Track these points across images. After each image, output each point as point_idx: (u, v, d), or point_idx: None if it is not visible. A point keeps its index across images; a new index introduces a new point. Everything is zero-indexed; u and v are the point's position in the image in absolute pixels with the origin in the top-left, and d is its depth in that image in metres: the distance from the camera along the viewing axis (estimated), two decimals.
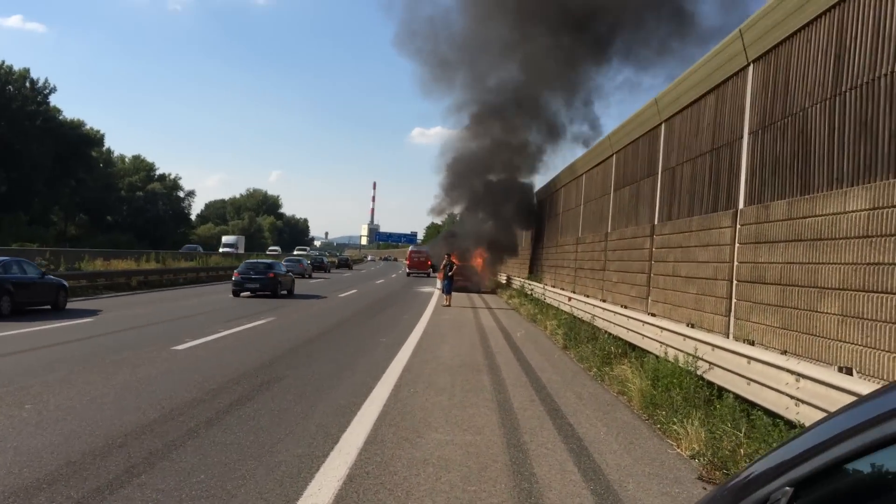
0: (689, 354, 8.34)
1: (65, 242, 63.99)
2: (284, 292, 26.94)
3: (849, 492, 0.97)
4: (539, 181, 38.48)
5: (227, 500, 4.83)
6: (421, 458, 6.02)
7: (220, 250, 67.69)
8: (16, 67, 67.66)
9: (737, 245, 9.84)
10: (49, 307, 18.39)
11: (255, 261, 28.77)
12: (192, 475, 5.33)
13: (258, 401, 8.08)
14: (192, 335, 13.59)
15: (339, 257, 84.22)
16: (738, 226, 9.86)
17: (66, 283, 19.83)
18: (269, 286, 25.83)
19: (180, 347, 12.05)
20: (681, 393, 7.75)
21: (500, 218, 37.38)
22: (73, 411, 7.22)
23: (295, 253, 75.12)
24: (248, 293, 26.05)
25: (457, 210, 42.13)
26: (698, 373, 8.09)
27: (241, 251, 71.12)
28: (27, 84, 68.56)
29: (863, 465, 0.93)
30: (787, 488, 1.00)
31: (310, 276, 46.27)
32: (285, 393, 8.61)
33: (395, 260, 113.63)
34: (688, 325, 9.84)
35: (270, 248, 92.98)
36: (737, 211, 10.05)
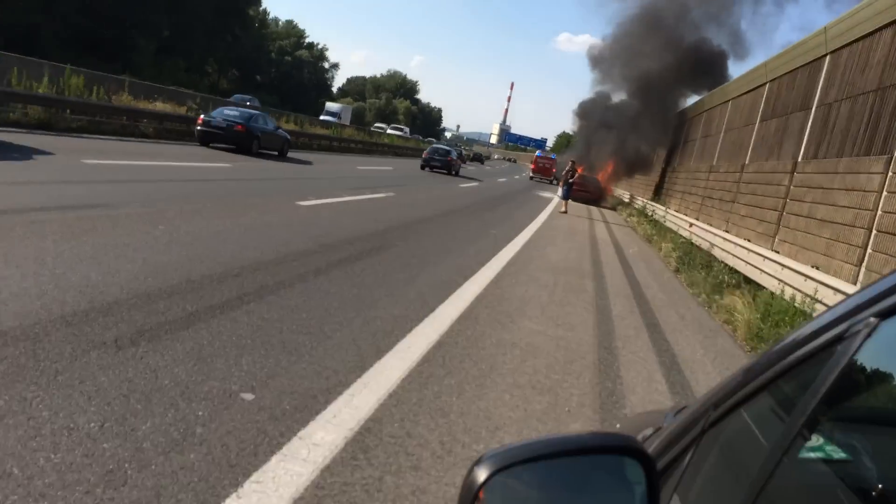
0: (807, 295, 7.96)
1: (216, 93, 67.09)
2: (454, 173, 37.66)
3: None
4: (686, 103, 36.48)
5: (322, 340, 5.14)
6: (510, 341, 6.15)
7: (322, 117, 58.88)
8: None
9: (885, 193, 9.10)
10: (277, 153, 24.98)
11: (437, 146, 41.75)
12: (295, 312, 5.68)
13: (366, 262, 8.41)
14: (316, 196, 14.16)
15: (473, 152, 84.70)
16: (891, 173, 9.08)
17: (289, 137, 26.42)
18: (447, 167, 37.08)
19: (304, 203, 12.60)
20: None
21: (635, 133, 36.03)
22: (199, 238, 7.79)
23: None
24: (430, 168, 36.69)
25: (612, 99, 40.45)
26: (815, 315, 7.73)
27: (347, 122, 61.71)
28: None
29: None
30: (872, 319, 0.93)
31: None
32: (393, 260, 8.92)
33: (515, 162, 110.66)
34: (813, 267, 9.33)
35: (392, 126, 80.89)
36: (892, 157, 9.23)
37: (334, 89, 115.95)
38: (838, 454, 1.02)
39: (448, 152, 38.09)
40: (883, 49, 10.67)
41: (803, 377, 1.04)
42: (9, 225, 6.66)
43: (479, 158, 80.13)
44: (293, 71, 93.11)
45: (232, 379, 4.07)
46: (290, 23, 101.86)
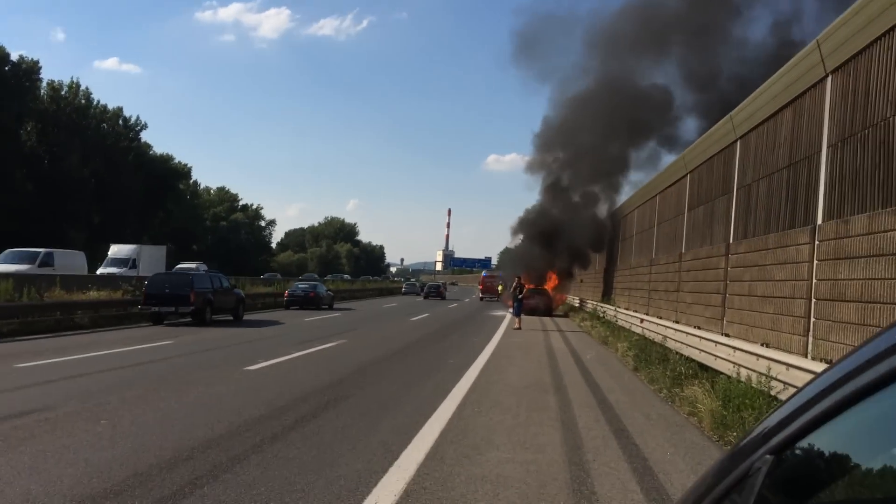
0: (761, 374, 8.02)
1: None
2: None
3: (823, 458, 0.93)
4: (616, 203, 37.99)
5: None
6: (480, 475, 5.95)
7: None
8: (110, 106, 71.75)
9: (815, 262, 9.43)
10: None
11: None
12: (252, 487, 5.43)
13: (323, 418, 8.19)
14: (265, 357, 13.90)
15: (430, 285, 67.77)
16: (817, 242, 9.45)
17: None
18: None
19: (252, 368, 12.34)
20: (753, 413, 7.44)
21: (573, 241, 37.07)
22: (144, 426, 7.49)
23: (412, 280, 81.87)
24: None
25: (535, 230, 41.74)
26: (772, 393, 7.76)
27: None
28: (120, 122, 72.48)
29: (836, 427, 0.88)
30: (768, 456, 0.96)
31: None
32: (350, 410, 8.70)
33: (449, 286, 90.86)
34: (762, 345, 9.46)
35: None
36: (815, 227, 9.65)
37: (273, 245, 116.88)
38: None
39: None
40: (787, 127, 11.38)
41: None
42: None
43: (436, 292, 59.91)
44: (230, 234, 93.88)
45: None
46: (221, 189, 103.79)
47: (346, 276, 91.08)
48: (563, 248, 38.25)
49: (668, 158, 31.40)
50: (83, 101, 67.41)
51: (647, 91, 34.42)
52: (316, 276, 65.62)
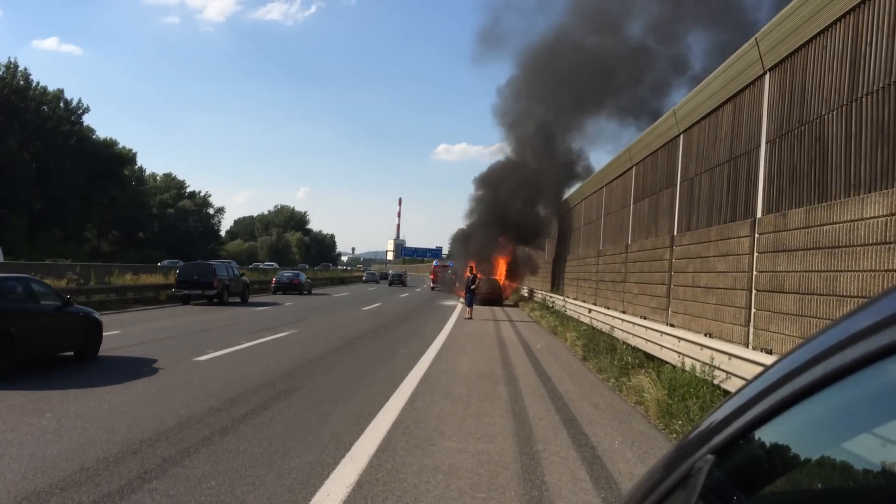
0: (705, 364, 8.27)
1: (98, 258, 65.14)
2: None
3: (765, 456, 0.99)
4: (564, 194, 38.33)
5: None
6: (431, 466, 6.03)
7: None
8: (50, 88, 69.41)
9: (755, 254, 9.75)
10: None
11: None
12: (202, 481, 5.39)
13: (274, 409, 8.15)
14: (215, 347, 13.73)
15: (394, 273, 73.60)
16: (757, 235, 9.77)
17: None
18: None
19: (202, 358, 12.18)
20: (697, 402, 7.67)
21: (522, 231, 37.37)
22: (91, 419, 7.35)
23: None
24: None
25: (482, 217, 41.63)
26: (715, 382, 8.01)
27: None
28: (61, 104, 70.22)
29: (774, 428, 0.95)
30: (709, 456, 1.02)
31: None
32: (301, 402, 8.68)
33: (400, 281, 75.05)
34: (705, 335, 9.75)
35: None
36: (755, 220, 9.97)
37: (222, 233, 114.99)
38: None
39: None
40: (727, 123, 11.69)
41: None
42: None
43: (399, 280, 67.70)
44: (177, 222, 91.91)
45: None
46: (168, 175, 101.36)
47: (303, 266, 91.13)
48: (511, 234, 38.49)
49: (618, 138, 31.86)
50: (21, 83, 65.11)
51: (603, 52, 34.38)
52: (306, 265, 75.04)
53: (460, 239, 45.26)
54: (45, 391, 8.77)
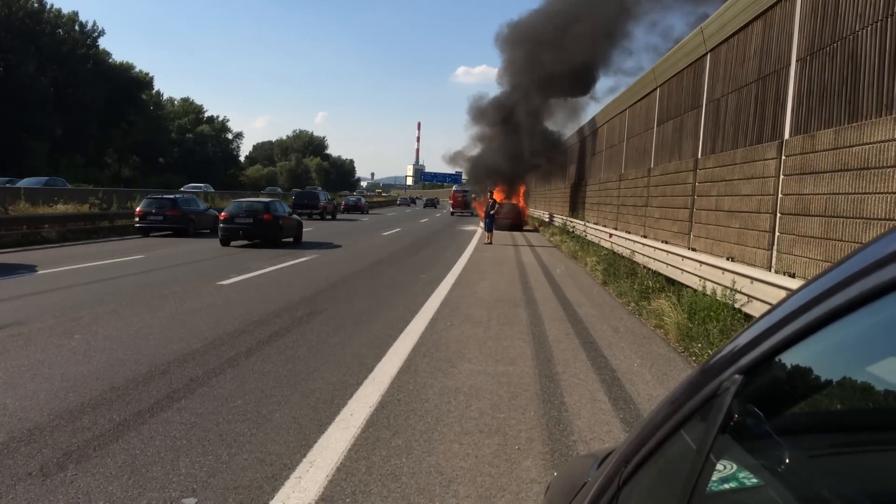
0: (727, 287, 8.23)
1: (120, 184, 65.50)
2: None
3: (786, 378, 0.97)
4: (585, 117, 37.59)
5: (261, 424, 5.01)
6: (452, 387, 6.12)
7: None
8: (65, 10, 68.46)
9: (781, 177, 9.56)
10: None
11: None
12: (229, 400, 5.53)
13: (297, 332, 8.29)
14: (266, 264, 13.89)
15: (428, 198, 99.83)
16: (783, 157, 9.56)
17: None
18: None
19: (225, 283, 12.35)
20: (717, 326, 7.68)
21: (543, 155, 36.91)
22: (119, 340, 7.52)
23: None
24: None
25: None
26: (736, 305, 7.99)
27: None
28: (76, 27, 69.35)
29: (799, 351, 0.92)
30: (737, 376, 1.00)
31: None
32: (325, 324, 8.81)
33: (436, 205, 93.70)
34: (727, 259, 9.68)
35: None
36: (782, 142, 9.73)
37: (241, 158, 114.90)
38: (750, 481, 1.07)
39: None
40: (757, 40, 11.29)
41: (695, 432, 1.08)
42: None
43: (433, 204, 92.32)
44: (197, 147, 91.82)
45: (171, 486, 3.91)
46: (186, 100, 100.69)
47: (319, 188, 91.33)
48: (529, 158, 37.93)
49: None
50: (35, 5, 64.21)
51: None
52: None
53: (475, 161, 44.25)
54: (75, 312, 8.95)
